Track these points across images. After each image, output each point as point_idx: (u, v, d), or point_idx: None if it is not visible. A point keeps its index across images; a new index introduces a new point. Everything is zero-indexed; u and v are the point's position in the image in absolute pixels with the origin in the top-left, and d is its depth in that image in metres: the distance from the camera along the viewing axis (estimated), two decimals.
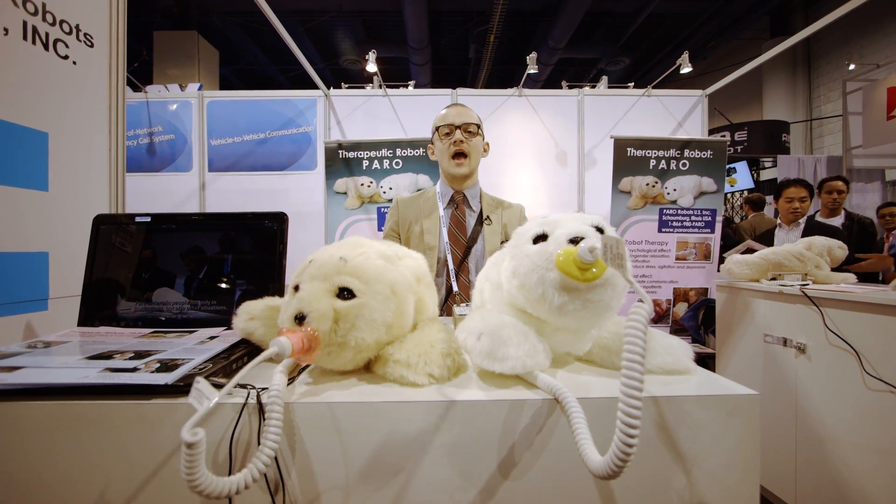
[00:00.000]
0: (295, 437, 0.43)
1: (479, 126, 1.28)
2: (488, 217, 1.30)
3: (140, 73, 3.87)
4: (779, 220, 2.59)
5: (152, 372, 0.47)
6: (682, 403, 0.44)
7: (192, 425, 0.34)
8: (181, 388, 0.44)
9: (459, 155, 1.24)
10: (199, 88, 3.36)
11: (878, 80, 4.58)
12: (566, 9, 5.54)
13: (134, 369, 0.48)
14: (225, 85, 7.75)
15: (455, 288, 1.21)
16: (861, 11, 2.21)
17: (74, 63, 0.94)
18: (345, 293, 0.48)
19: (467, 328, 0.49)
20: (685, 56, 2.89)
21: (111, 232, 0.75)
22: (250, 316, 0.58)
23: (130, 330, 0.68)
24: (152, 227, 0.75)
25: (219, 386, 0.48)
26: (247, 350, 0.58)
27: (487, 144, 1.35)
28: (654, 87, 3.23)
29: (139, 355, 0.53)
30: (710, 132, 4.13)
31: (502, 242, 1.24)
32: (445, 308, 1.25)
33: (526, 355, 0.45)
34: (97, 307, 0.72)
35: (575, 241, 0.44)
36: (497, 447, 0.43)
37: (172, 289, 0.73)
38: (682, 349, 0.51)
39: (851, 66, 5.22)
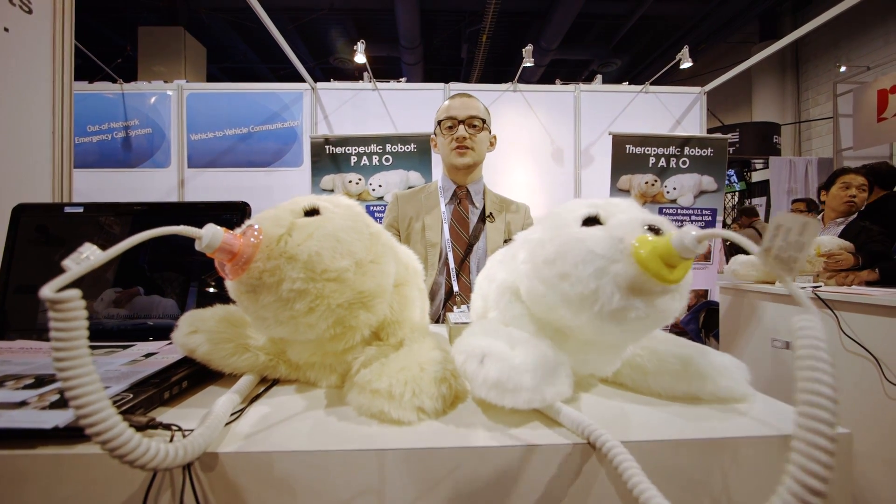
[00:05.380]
0: (235, 497, 0.32)
1: (484, 120, 1.21)
2: (491, 214, 1.23)
3: (124, 69, 3.69)
4: (819, 217, 2.19)
5: (43, 408, 0.35)
6: (753, 445, 0.33)
7: (60, 284, 0.24)
8: (77, 432, 0.32)
9: (463, 147, 1.19)
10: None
11: (869, 82, 4.58)
12: (558, 9, 5.49)
13: (21, 404, 0.36)
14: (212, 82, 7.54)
15: (456, 288, 1.14)
16: (848, 16, 2.17)
17: (6, 30, 0.81)
18: (312, 213, 0.41)
19: (466, 348, 0.37)
20: (685, 50, 2.82)
21: (35, 225, 0.62)
22: (192, 328, 0.46)
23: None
24: (86, 219, 0.62)
25: (136, 427, 0.37)
26: (188, 371, 0.46)
27: (494, 137, 1.29)
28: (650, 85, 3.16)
29: (39, 382, 0.40)
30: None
31: (506, 241, 1.19)
32: (446, 308, 1.18)
33: (545, 383, 0.34)
34: (15, 315, 0.59)
35: (654, 229, 0.33)
36: None
37: (110, 292, 0.61)
38: (738, 370, 0.40)
39: (843, 69, 5.23)
